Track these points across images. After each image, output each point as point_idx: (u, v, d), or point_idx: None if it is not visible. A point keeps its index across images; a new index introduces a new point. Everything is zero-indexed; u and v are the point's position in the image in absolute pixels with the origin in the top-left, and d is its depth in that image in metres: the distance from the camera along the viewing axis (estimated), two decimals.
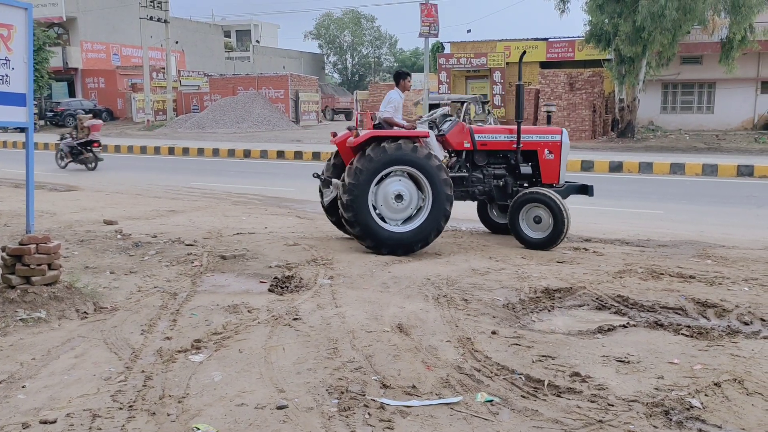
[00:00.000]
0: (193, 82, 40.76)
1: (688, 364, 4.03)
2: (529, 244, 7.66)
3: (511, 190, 8.03)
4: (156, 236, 7.98)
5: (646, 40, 21.61)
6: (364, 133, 7.45)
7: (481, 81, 33.93)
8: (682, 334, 4.64)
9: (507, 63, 32.22)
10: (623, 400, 3.55)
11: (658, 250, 7.71)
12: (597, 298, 5.58)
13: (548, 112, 8.72)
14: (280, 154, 21.54)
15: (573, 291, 5.79)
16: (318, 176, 8.16)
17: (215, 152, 22.40)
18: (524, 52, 8.55)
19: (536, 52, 32.07)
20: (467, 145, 8.06)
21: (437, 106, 22.29)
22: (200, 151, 22.63)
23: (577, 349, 4.32)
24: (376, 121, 8.08)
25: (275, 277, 6.20)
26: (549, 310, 5.37)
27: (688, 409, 3.43)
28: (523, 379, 3.85)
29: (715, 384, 3.72)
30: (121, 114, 41.81)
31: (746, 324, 4.90)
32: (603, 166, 17.13)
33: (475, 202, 8.61)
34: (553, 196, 7.54)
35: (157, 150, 23.38)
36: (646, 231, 8.89)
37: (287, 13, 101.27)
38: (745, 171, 15.43)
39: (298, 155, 21.28)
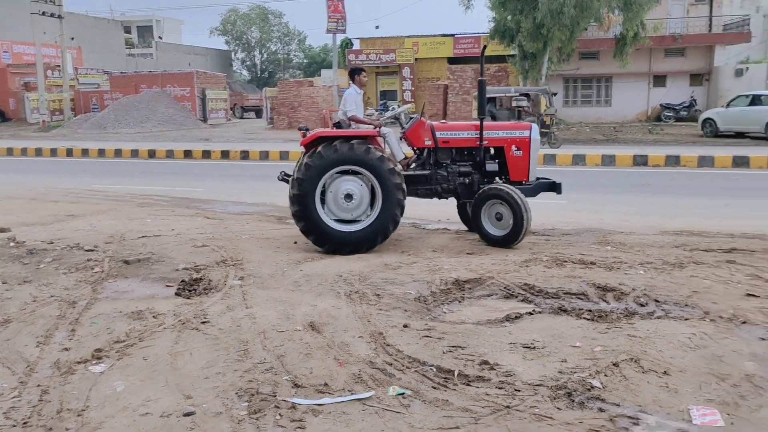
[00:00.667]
0: (92, 80, 38.94)
1: (589, 347, 4.21)
2: (491, 241, 7.50)
3: (478, 187, 7.78)
4: (53, 242, 7.56)
5: (547, 36, 22.40)
6: (312, 132, 7.49)
7: (390, 77, 34.22)
8: (584, 318, 4.84)
9: (416, 59, 32.62)
10: (529, 384, 3.66)
11: (561, 238, 8.00)
12: (505, 288, 5.73)
13: (519, 107, 8.45)
14: (188, 154, 20.93)
15: (482, 281, 5.92)
16: (285, 177, 8.00)
17: (118, 153, 21.50)
18: (485, 46, 8.23)
19: (443, 48, 32.68)
20: (428, 142, 7.88)
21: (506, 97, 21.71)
22: (101, 152, 21.67)
23: (486, 338, 4.41)
24: (335, 121, 8.02)
25: (182, 280, 6.01)
26: (459, 301, 5.47)
27: (589, 389, 3.58)
28: (434, 370, 3.90)
29: (614, 364, 3.89)
30: (13, 115, 39.44)
31: (642, 306, 5.16)
32: None
33: (448, 201, 8.36)
34: (512, 193, 7.30)
35: (53, 152, 22.20)
36: (551, 220, 9.20)
37: (191, 8, 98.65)
38: (641, 160, 16.28)
39: (207, 154, 20.75)
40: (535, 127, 7.94)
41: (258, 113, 43.36)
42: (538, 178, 8.02)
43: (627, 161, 16.40)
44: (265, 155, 20.20)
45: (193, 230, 8.45)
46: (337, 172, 7.23)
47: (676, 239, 7.72)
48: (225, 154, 20.43)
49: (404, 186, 7.24)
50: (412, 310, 5.16)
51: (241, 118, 44.30)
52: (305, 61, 74.23)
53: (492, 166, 7.89)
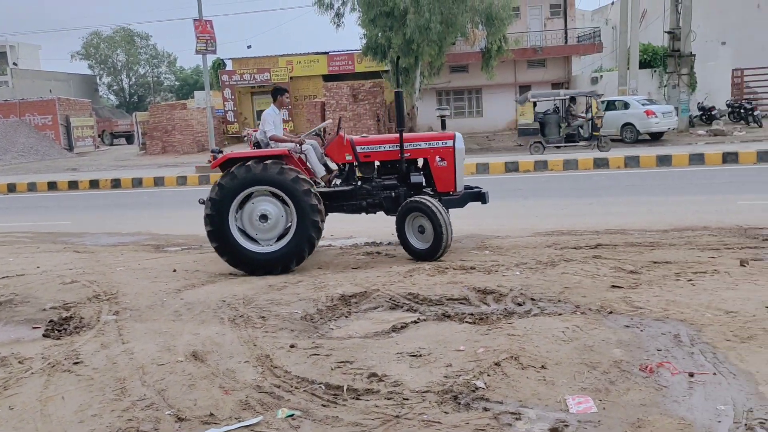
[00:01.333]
0: None
1: (472, 349, 4.34)
2: (415, 254, 7.39)
3: (404, 201, 7.58)
4: None
5: (417, 51, 23.09)
6: (222, 155, 7.45)
7: (267, 96, 33.81)
8: (467, 321, 4.99)
9: (291, 77, 32.55)
10: (417, 392, 3.72)
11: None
12: (390, 299, 5.80)
13: (441, 116, 8.26)
14: (52, 186, 19.71)
15: (368, 295, 5.96)
16: (203, 201, 7.63)
17: None
18: (398, 57, 8.28)
19: (318, 66, 32.83)
20: (349, 157, 7.78)
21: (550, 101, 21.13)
22: None
23: (374, 351, 4.44)
24: (254, 141, 7.95)
25: (51, 321, 5.63)
26: (346, 317, 5.48)
27: (473, 390, 3.69)
28: (323, 387, 3.88)
29: (496, 364, 4.03)
30: None
31: (520, 305, 5.39)
32: None
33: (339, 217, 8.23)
34: (431, 205, 7.16)
35: None
36: None
37: (47, 32, 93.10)
38: (512, 167, 17.09)
39: (74, 185, 19.62)
40: (459, 136, 7.75)
41: (129, 139, 41.62)
42: (467, 188, 7.94)
43: (500, 168, 17.15)
44: (138, 182, 19.38)
45: (61, 266, 7.93)
46: (257, 192, 7.17)
47: (548, 239, 8.15)
48: (94, 184, 19.42)
49: (321, 207, 7.10)
50: (299, 330, 5.11)
51: (111, 144, 42.32)
52: (177, 83, 72.13)
53: (417, 178, 7.78)
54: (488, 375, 3.89)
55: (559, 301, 5.43)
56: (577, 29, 34.43)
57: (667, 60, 25.50)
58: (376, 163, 7.87)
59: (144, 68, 71.13)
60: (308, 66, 32.99)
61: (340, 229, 9.39)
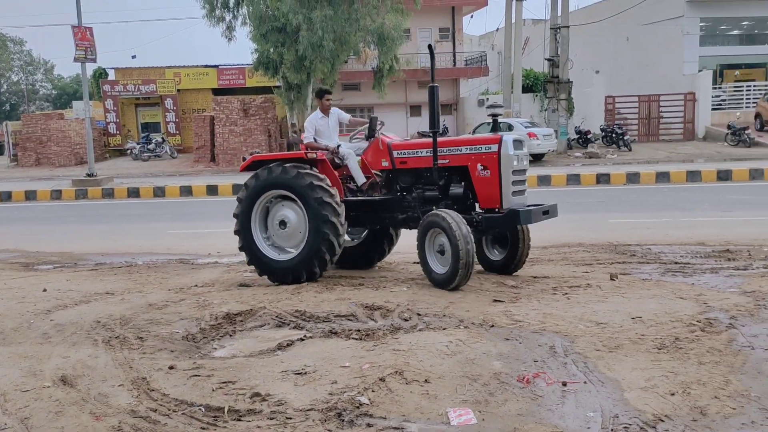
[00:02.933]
0: None
1: (358, 365, 4.33)
2: (433, 280, 6.36)
3: None
4: None
5: (309, 68, 23.11)
6: (249, 157, 7.32)
7: (152, 108, 32.78)
8: (353, 338, 4.98)
9: (178, 90, 31.62)
10: (301, 410, 3.66)
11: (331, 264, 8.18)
12: (277, 316, 5.70)
13: (493, 115, 7.07)
14: None
15: (254, 312, 5.84)
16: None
17: None
18: (429, 45, 7.03)
19: (207, 79, 32.11)
20: (386, 163, 7.03)
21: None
22: None
23: (258, 369, 4.34)
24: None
25: None
26: (231, 335, 5.33)
27: (358, 407, 3.67)
28: (203, 410, 3.74)
29: (381, 379, 4.05)
30: None
31: (406, 320, 5.45)
32: None
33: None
34: (451, 221, 6.08)
35: None
36: None
37: None
38: None
39: None
40: (508, 141, 6.47)
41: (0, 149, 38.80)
42: (533, 205, 6.67)
43: None
44: (7, 196, 18.09)
45: None
46: (280, 197, 6.98)
47: None
48: None
49: (335, 219, 6.61)
50: (179, 350, 4.91)
51: None
52: (54, 92, 68.26)
53: (455, 190, 6.78)
54: (373, 391, 3.90)
55: (444, 315, 5.54)
56: (465, 53, 35.73)
57: (548, 85, 26.93)
58: (416, 170, 6.97)
59: (17, 75, 66.79)
60: (197, 79, 32.18)
61: (226, 245, 9.17)
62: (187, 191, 18.39)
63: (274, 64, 24.30)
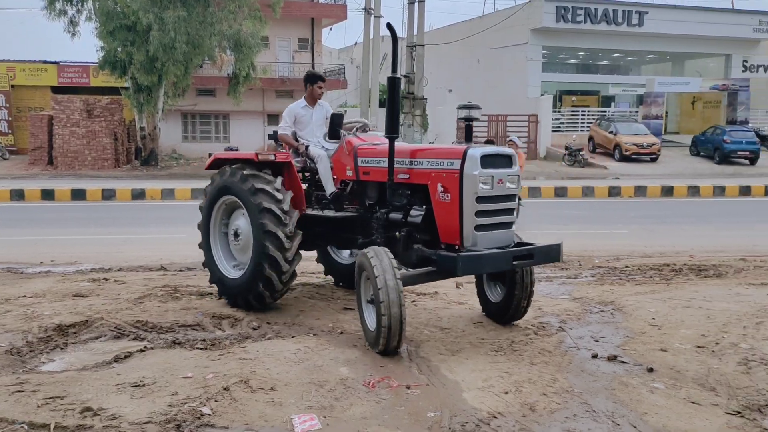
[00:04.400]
0: None
1: (201, 375, 4.19)
2: (366, 335, 4.84)
3: (412, 248, 5.04)
4: None
5: (161, 70, 22.17)
6: (213, 156, 6.29)
7: None
8: (198, 348, 4.81)
9: (12, 86, 29.13)
10: (136, 424, 3.48)
11: (179, 273, 7.88)
12: (116, 327, 5.38)
13: (467, 120, 5.11)
14: None
15: (90, 324, 5.47)
16: None
17: None
18: (389, 24, 5.56)
19: (46, 76, 29.85)
20: (350, 172, 5.76)
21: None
22: None
23: (91, 383, 4.07)
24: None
25: None
26: (62, 348, 4.95)
27: (199, 417, 3.55)
28: (26, 427, 3.45)
29: (225, 389, 3.94)
30: None
31: (255, 329, 5.35)
32: (125, 194, 16.95)
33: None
34: (376, 265, 4.52)
35: None
36: (169, 255, 9.02)
37: None
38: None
39: None
40: (476, 156, 4.66)
41: None
42: (517, 244, 4.93)
43: None
44: None
45: None
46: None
47: None
48: None
49: (278, 229, 5.40)
50: (1, 365, 4.49)
51: None
52: None
53: (415, 215, 5.11)
54: (216, 401, 3.79)
55: (294, 324, 5.50)
56: (324, 65, 35.95)
57: (403, 101, 27.75)
58: (380, 184, 5.47)
59: None
60: (34, 75, 29.76)
61: (61, 252, 8.54)
62: (18, 195, 16.94)
63: (122, 64, 23.04)
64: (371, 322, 4.72)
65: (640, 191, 18.30)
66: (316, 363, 4.47)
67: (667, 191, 18.40)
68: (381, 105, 29.75)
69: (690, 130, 33.22)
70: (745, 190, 18.63)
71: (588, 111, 33.99)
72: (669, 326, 5.46)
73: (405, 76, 27.04)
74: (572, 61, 40.67)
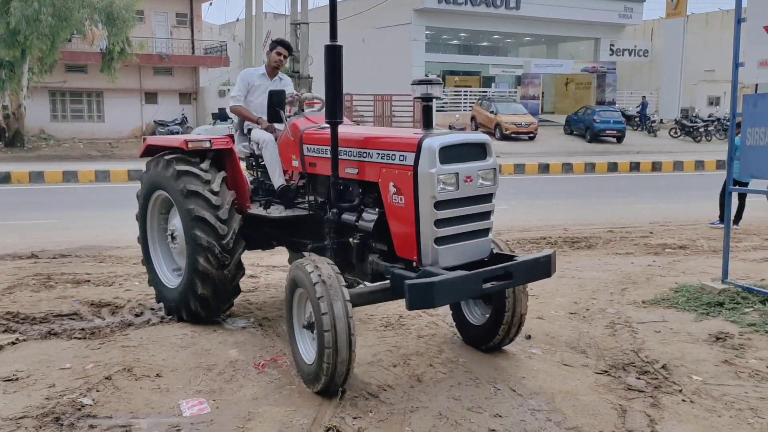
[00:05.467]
0: None
1: (81, 366, 4.01)
2: (299, 368, 3.83)
3: (367, 258, 4.09)
4: None
5: (24, 44, 20.59)
6: (146, 141, 5.38)
7: None
8: (76, 338, 4.59)
9: None
10: (11, 419, 3.29)
11: (53, 260, 7.44)
12: None
13: (424, 99, 3.86)
14: None
15: None
16: None
17: None
18: None
19: None
20: (296, 163, 4.75)
21: None
22: None
23: None
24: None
25: None
26: None
27: (80, 409, 3.41)
28: None
29: (107, 378, 3.80)
30: None
31: (138, 315, 5.17)
32: None
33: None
34: (317, 282, 3.51)
35: None
36: (40, 242, 8.49)
37: None
38: (135, 175, 16.31)
39: None
40: (433, 147, 3.63)
41: None
42: (493, 256, 3.95)
43: (122, 176, 16.31)
44: None
45: None
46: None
47: None
48: None
49: (217, 247, 4.50)
50: None
51: None
52: None
53: (367, 219, 4.05)
54: (98, 390, 3.64)
55: None
56: (205, 41, 34.75)
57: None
58: (327, 179, 4.39)
59: None
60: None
61: None
62: None
63: None
64: (307, 354, 3.74)
65: (519, 169, 19.15)
66: (203, 347, 4.39)
67: (544, 168, 19.38)
68: None
69: (564, 110, 35.10)
70: (613, 167, 19.95)
71: (470, 91, 34.99)
72: (545, 296, 5.79)
73: (290, 54, 26.70)
74: (455, 42, 41.65)
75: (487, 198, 3.86)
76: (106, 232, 9.25)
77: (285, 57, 5.39)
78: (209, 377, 3.89)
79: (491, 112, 28.33)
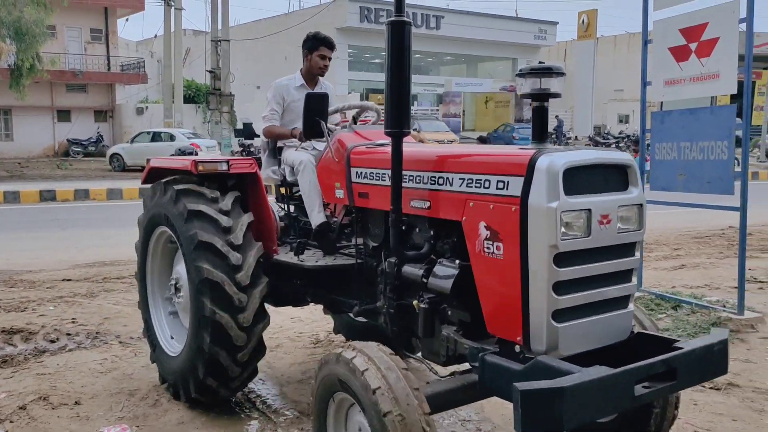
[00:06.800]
0: None
1: None
2: None
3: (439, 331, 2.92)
4: None
5: None
6: (149, 163, 4.18)
7: None
8: None
9: None
10: None
11: None
12: None
13: (539, 97, 2.61)
14: None
15: None
16: None
17: None
18: None
19: None
20: (340, 193, 3.57)
21: None
22: None
23: None
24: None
25: None
26: None
27: None
28: None
29: (21, 408, 3.61)
30: None
31: (53, 342, 4.93)
32: None
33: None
34: (374, 384, 2.34)
35: None
36: None
37: None
38: (48, 196, 15.69)
39: None
40: (553, 164, 2.38)
41: None
42: (637, 334, 2.70)
43: (34, 197, 15.58)
44: None
45: None
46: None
47: (89, 271, 7.69)
48: None
49: (228, 283, 3.35)
50: None
51: None
52: None
53: (443, 278, 2.81)
54: (11, 422, 3.45)
55: (98, 333, 5.15)
56: (121, 57, 33.81)
57: (210, 97, 26.97)
58: (384, 215, 3.20)
59: None
60: None
61: None
62: None
63: None
64: None
65: None
66: (125, 372, 4.23)
67: None
68: (186, 101, 28.69)
69: (484, 127, 36.06)
70: None
71: None
72: None
73: (210, 72, 26.31)
74: (377, 60, 42.18)
75: (630, 249, 2.61)
76: (17, 255, 8.80)
77: (329, 60, 4.32)
78: (132, 402, 3.75)
79: (414, 129, 28.74)
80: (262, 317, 3.49)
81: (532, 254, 2.40)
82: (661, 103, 7.05)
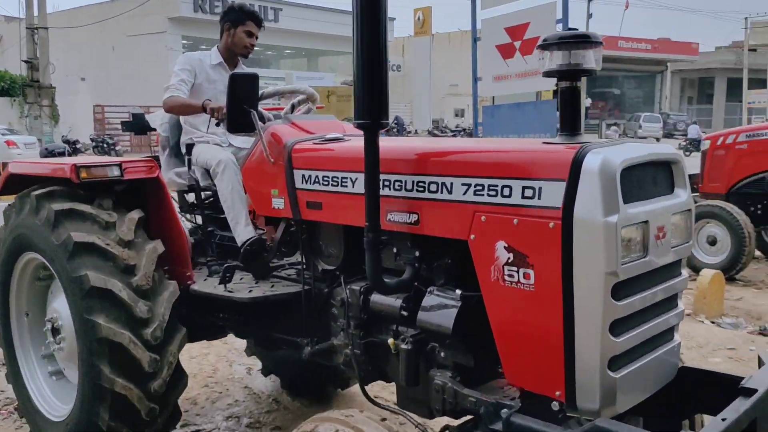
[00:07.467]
0: None
1: None
2: None
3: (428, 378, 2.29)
4: None
5: None
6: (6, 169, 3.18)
7: None
8: None
9: None
10: None
11: None
12: None
13: (569, 75, 1.97)
14: None
15: None
16: None
17: None
18: None
19: None
20: (279, 203, 2.74)
21: None
22: None
23: None
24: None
25: None
26: None
27: None
28: None
29: None
30: None
31: None
32: None
33: None
34: None
35: None
36: None
37: None
38: None
39: None
40: (607, 162, 1.79)
41: None
42: (682, 371, 2.21)
43: None
44: None
45: None
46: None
47: None
48: None
49: (135, 343, 2.54)
50: None
51: None
52: None
53: (434, 313, 2.21)
54: None
55: None
56: None
57: (27, 90, 24.70)
58: (348, 230, 2.55)
59: None
60: None
61: None
62: None
63: None
64: None
65: None
66: None
67: None
68: (1, 94, 26.08)
69: None
70: None
71: None
72: None
73: (27, 62, 24.11)
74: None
75: (678, 267, 2.12)
76: None
77: (257, 38, 3.56)
78: None
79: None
80: (178, 379, 2.72)
81: (579, 285, 1.79)
82: (493, 97, 7.46)
